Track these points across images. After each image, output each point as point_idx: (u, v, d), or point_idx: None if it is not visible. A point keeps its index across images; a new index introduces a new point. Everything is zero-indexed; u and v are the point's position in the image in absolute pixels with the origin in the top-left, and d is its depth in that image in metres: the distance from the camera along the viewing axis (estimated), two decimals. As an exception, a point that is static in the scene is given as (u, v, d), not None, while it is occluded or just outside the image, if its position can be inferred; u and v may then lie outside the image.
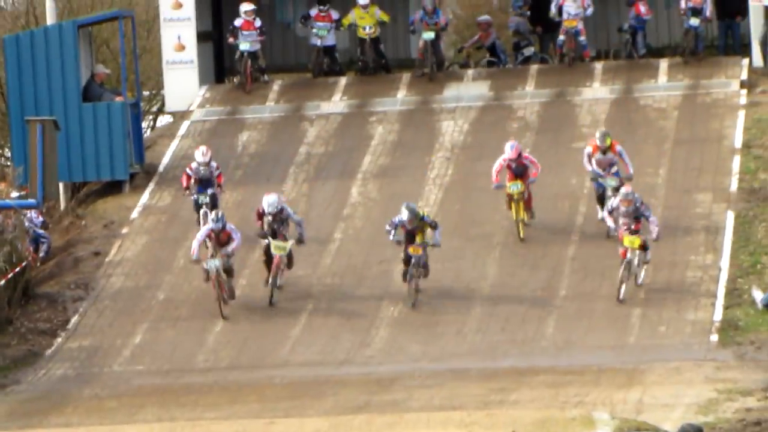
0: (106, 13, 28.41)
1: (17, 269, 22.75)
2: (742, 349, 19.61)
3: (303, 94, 27.33)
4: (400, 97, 27.41)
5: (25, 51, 25.53)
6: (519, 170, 19.75)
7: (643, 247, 19.43)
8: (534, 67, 27.44)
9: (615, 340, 20.10)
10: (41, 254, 23.80)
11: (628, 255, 19.23)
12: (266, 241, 20.07)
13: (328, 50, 27.25)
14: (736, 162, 23.68)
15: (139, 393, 19.24)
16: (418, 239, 19.56)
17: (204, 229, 20.15)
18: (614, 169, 20.57)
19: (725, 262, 21.23)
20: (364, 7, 26.65)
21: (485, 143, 24.94)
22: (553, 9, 26.80)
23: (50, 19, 27.59)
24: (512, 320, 20.60)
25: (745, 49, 26.44)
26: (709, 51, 27.24)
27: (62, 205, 25.79)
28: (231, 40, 27.30)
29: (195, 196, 21.03)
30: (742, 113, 24.82)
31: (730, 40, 27.04)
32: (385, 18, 27.02)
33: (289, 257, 20.04)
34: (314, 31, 26.98)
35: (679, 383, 18.39)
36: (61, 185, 23.83)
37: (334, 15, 26.87)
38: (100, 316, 21.86)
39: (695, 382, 18.33)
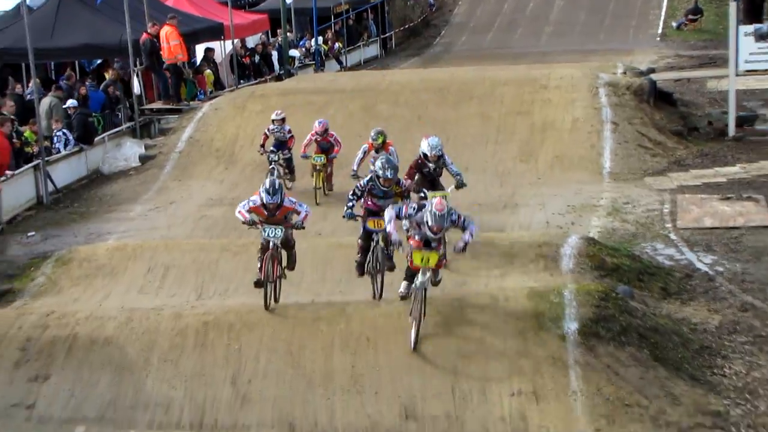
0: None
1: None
2: (669, 43, 31.54)
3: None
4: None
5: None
6: (324, 146, 17.87)
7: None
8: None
9: (621, 40, 31.87)
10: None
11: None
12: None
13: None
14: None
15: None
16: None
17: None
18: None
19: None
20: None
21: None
22: None
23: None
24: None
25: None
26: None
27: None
28: None
29: (269, 154, 18.34)
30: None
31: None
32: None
33: None
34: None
35: (644, 54, 29.78)
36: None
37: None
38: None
39: (650, 53, 29.96)
